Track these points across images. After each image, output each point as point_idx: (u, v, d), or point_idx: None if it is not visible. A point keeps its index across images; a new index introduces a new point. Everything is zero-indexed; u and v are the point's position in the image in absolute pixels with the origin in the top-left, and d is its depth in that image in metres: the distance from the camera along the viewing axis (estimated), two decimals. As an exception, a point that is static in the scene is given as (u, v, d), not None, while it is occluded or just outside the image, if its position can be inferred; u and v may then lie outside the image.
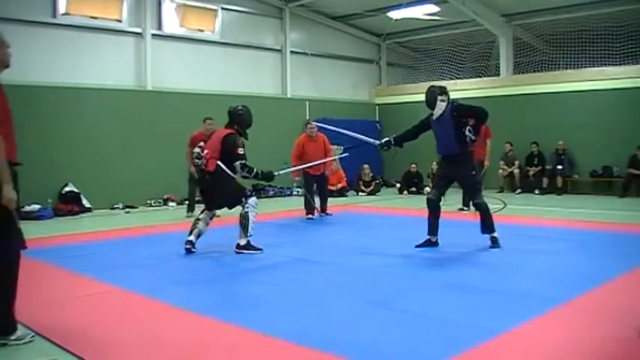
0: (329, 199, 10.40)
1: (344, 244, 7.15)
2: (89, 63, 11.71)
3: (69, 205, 10.80)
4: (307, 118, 14.21)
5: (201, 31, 13.53)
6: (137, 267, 5.98)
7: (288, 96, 15.33)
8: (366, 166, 14.69)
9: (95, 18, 11.76)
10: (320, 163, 9.49)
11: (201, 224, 6.68)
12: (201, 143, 6.77)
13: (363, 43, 17.50)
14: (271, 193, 13.89)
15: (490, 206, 6.76)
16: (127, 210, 11.43)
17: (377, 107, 17.67)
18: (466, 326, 3.78)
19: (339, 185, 14.02)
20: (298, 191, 13.53)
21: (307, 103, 15.53)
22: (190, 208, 10.11)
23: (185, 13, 13.17)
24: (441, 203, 6.68)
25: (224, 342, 3.63)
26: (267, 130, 14.00)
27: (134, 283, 5.12)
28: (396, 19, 15.15)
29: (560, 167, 13.51)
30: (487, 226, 6.56)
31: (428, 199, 6.74)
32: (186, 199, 10.55)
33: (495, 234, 6.55)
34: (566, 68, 13.97)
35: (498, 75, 15.12)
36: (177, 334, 3.76)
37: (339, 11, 15.80)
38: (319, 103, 15.60)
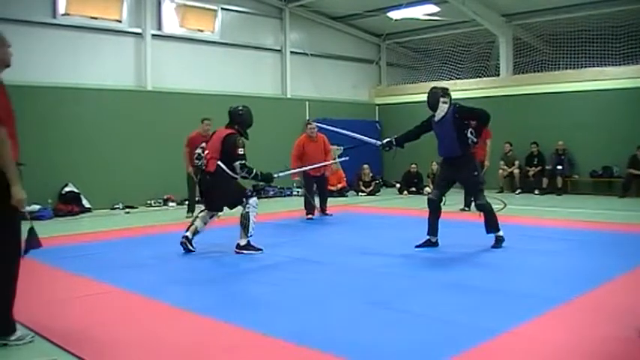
0: (329, 199, 10.40)
1: (344, 244, 7.15)
2: (89, 63, 11.71)
3: (69, 205, 10.81)
4: (307, 118, 14.20)
5: (201, 31, 13.53)
6: (137, 267, 5.98)
7: (288, 96, 15.33)
8: (365, 166, 14.70)
9: (95, 18, 11.76)
10: (321, 166, 9.51)
11: (198, 222, 6.70)
12: (203, 144, 6.77)
13: (363, 43, 17.50)
14: (271, 193, 13.89)
15: (474, 200, 6.75)
16: (127, 210, 11.43)
17: (377, 107, 17.68)
18: (466, 326, 3.78)
19: (339, 185, 14.02)
20: (298, 191, 13.53)
21: (307, 103, 15.53)
22: (190, 209, 10.11)
23: (185, 14, 13.18)
24: (442, 204, 6.68)
25: (224, 342, 3.63)
26: (267, 131, 13.99)
27: (134, 283, 5.12)
28: (396, 20, 15.16)
29: (560, 167, 13.51)
30: (492, 225, 6.55)
31: (429, 199, 6.73)
32: (186, 200, 10.55)
33: (500, 233, 6.54)
34: (566, 68, 13.97)
35: (498, 75, 15.12)
36: (177, 334, 3.76)
37: (339, 11, 15.80)
38: (319, 104, 15.60)
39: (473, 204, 10.16)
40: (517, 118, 14.14)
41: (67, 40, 11.38)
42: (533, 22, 14.62)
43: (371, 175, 14.87)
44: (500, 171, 14.10)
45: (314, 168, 9.26)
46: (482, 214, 6.59)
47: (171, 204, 12.16)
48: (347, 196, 13.90)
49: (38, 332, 3.72)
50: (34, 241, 3.70)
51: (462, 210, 10.10)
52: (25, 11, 10.80)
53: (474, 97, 12.84)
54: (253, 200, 6.48)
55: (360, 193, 14.46)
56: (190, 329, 3.86)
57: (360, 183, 14.74)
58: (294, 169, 9.51)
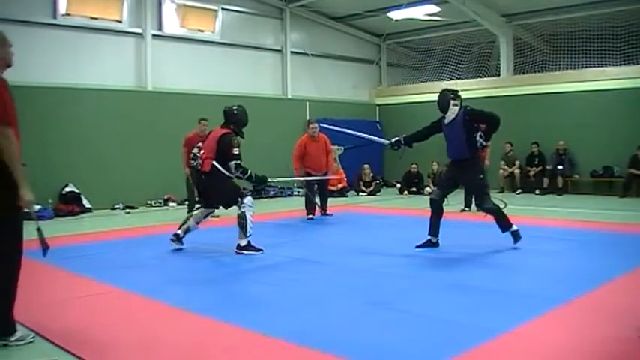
0: (329, 199, 10.40)
1: (344, 245, 7.15)
2: (89, 63, 11.71)
3: (69, 205, 10.82)
4: (308, 118, 14.21)
5: (202, 31, 13.54)
6: (138, 267, 5.98)
7: (289, 96, 15.33)
8: (366, 166, 14.70)
9: (95, 18, 11.77)
10: (322, 179, 9.60)
11: (191, 221, 6.77)
12: (199, 144, 6.80)
13: (364, 43, 17.50)
14: (272, 193, 13.89)
15: (479, 203, 6.74)
16: (128, 210, 11.44)
17: (377, 107, 17.68)
18: (467, 326, 3.78)
19: (340, 185, 14.03)
20: (299, 192, 13.54)
21: (307, 103, 15.53)
22: (190, 209, 10.08)
23: (185, 14, 13.18)
24: (444, 204, 6.66)
25: (224, 342, 3.63)
26: (268, 131, 14.03)
27: (134, 283, 5.12)
28: (396, 20, 15.16)
29: (560, 167, 13.51)
30: (504, 224, 6.53)
31: (431, 199, 6.73)
32: (186, 200, 10.55)
33: (514, 227, 6.52)
34: (567, 68, 13.97)
35: (499, 75, 15.12)
36: (177, 334, 3.76)
37: (339, 12, 15.80)
38: (319, 104, 15.60)
39: (473, 204, 10.27)
40: (518, 118, 14.10)
41: (67, 40, 11.39)
42: (534, 22, 14.62)
43: (371, 175, 14.87)
44: (501, 171, 14.10)
45: (315, 179, 9.34)
46: (486, 215, 6.57)
47: (171, 204, 12.17)
48: (347, 197, 13.90)
49: (39, 332, 3.72)
50: (44, 242, 3.74)
51: (463, 210, 10.11)
52: (25, 11, 10.80)
53: (474, 97, 12.81)
54: (248, 200, 6.48)
55: (360, 194, 14.46)
56: (190, 329, 3.86)
57: (361, 183, 14.74)
58: (295, 171, 9.57)
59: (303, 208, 9.81)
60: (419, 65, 17.24)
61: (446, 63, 16.07)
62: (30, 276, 3.82)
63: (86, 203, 11.11)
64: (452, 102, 6.45)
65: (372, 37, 17.55)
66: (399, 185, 14.91)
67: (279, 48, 15.26)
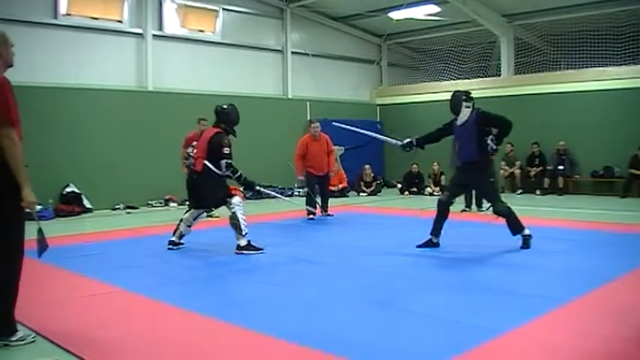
0: (330, 199, 10.39)
1: (345, 245, 7.16)
2: (90, 63, 11.72)
3: (70, 205, 10.82)
4: (308, 118, 14.22)
5: (202, 31, 13.54)
6: (138, 267, 5.98)
7: (289, 96, 15.33)
8: (367, 166, 14.70)
9: (96, 19, 11.78)
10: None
11: (182, 226, 6.80)
12: (194, 143, 6.85)
13: (364, 43, 17.50)
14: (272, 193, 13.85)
15: (491, 206, 6.73)
16: (129, 211, 11.44)
17: (378, 108, 17.67)
18: (468, 326, 3.78)
19: (340, 185, 14.02)
20: (299, 192, 13.54)
21: (308, 103, 15.53)
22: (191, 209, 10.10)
23: (186, 14, 13.19)
24: (450, 206, 6.64)
25: (224, 342, 3.63)
26: (268, 131, 14.06)
27: (135, 283, 5.13)
28: (396, 20, 15.15)
29: (561, 167, 13.50)
30: (515, 227, 6.51)
31: (439, 200, 6.72)
32: (186, 200, 10.53)
33: (527, 231, 6.50)
34: (568, 68, 13.97)
35: (499, 75, 15.11)
36: (177, 334, 3.76)
37: (340, 12, 15.80)
38: (320, 104, 15.59)
39: (474, 205, 10.28)
40: (518, 118, 13.87)
41: (68, 40, 11.39)
42: (534, 22, 14.61)
43: (372, 175, 14.86)
44: (502, 171, 14.08)
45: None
46: (498, 217, 6.55)
47: (172, 204, 12.16)
48: (348, 197, 13.90)
49: (39, 332, 3.72)
50: (43, 243, 3.74)
51: (463, 210, 10.11)
52: (26, 11, 10.81)
53: (475, 97, 12.76)
54: (236, 199, 6.51)
55: (361, 194, 14.46)
56: (190, 329, 3.86)
57: (361, 183, 14.74)
58: (297, 170, 9.60)
59: (304, 208, 9.81)
60: (419, 65, 17.23)
61: (446, 63, 16.05)
62: (30, 276, 3.81)
63: (87, 203, 11.11)
64: (464, 104, 6.44)
65: (373, 37, 17.55)
66: (399, 185, 14.91)
67: (279, 48, 15.26)
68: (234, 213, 6.42)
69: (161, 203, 12.21)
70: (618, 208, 10.69)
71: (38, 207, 9.96)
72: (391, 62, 18.06)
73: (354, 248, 6.83)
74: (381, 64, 17.95)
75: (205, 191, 6.62)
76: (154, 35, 12.63)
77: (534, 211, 10.61)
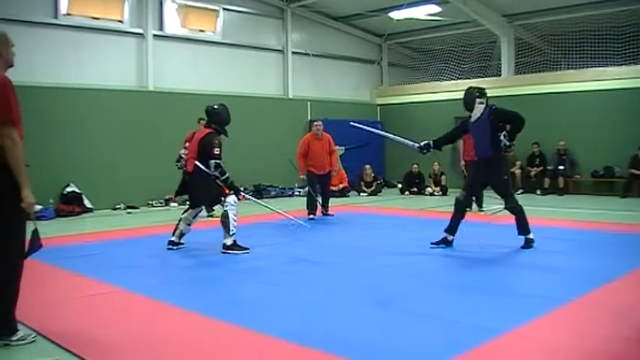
0: (330, 199, 10.39)
1: (345, 245, 7.16)
2: (91, 63, 11.72)
3: (70, 205, 10.82)
4: (309, 118, 14.23)
5: (203, 31, 13.54)
6: (138, 267, 5.99)
7: (290, 96, 15.33)
8: (367, 166, 14.70)
9: (97, 18, 11.78)
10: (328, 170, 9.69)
11: (182, 225, 6.81)
12: (187, 144, 6.87)
13: (365, 43, 17.49)
14: (273, 193, 13.88)
15: (492, 207, 6.75)
16: (129, 210, 11.43)
17: (378, 108, 17.67)
18: (468, 326, 3.78)
19: (341, 185, 14.01)
20: (300, 192, 13.55)
21: (308, 103, 15.53)
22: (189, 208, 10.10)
23: (187, 14, 13.19)
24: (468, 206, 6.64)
25: (224, 342, 3.63)
26: (269, 131, 14.07)
27: (135, 283, 5.13)
28: (397, 20, 15.15)
29: (561, 167, 13.50)
30: (522, 227, 6.54)
31: (456, 199, 6.73)
32: (187, 200, 10.53)
33: (531, 235, 6.52)
34: (568, 68, 13.96)
35: (500, 75, 15.11)
36: (177, 334, 3.76)
37: (340, 12, 15.80)
38: (321, 104, 15.60)
39: (474, 204, 10.27)
40: (519, 118, 14.09)
41: (68, 40, 11.39)
42: (535, 22, 14.61)
43: (372, 175, 14.86)
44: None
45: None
46: (495, 214, 6.57)
47: (172, 204, 12.14)
48: (348, 197, 13.89)
49: (39, 332, 3.73)
50: (35, 244, 3.72)
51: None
52: (26, 11, 10.81)
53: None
54: (231, 198, 6.53)
55: (361, 194, 14.46)
56: (190, 329, 3.86)
57: (362, 183, 14.74)
58: (299, 169, 9.67)
59: (304, 208, 9.81)
60: (420, 65, 17.22)
61: (447, 63, 16.05)
62: (31, 276, 3.82)
63: (87, 203, 11.10)
64: (477, 100, 6.47)
65: (373, 37, 17.55)
66: (400, 185, 14.90)
67: (280, 48, 15.26)
68: (226, 212, 6.46)
69: (161, 203, 12.20)
70: (618, 208, 10.68)
71: (39, 207, 10.01)
72: (391, 62, 18.06)
73: (354, 248, 6.83)
74: (382, 64, 17.94)
75: (199, 191, 6.69)
76: (155, 35, 12.63)
77: (535, 211, 10.57)
